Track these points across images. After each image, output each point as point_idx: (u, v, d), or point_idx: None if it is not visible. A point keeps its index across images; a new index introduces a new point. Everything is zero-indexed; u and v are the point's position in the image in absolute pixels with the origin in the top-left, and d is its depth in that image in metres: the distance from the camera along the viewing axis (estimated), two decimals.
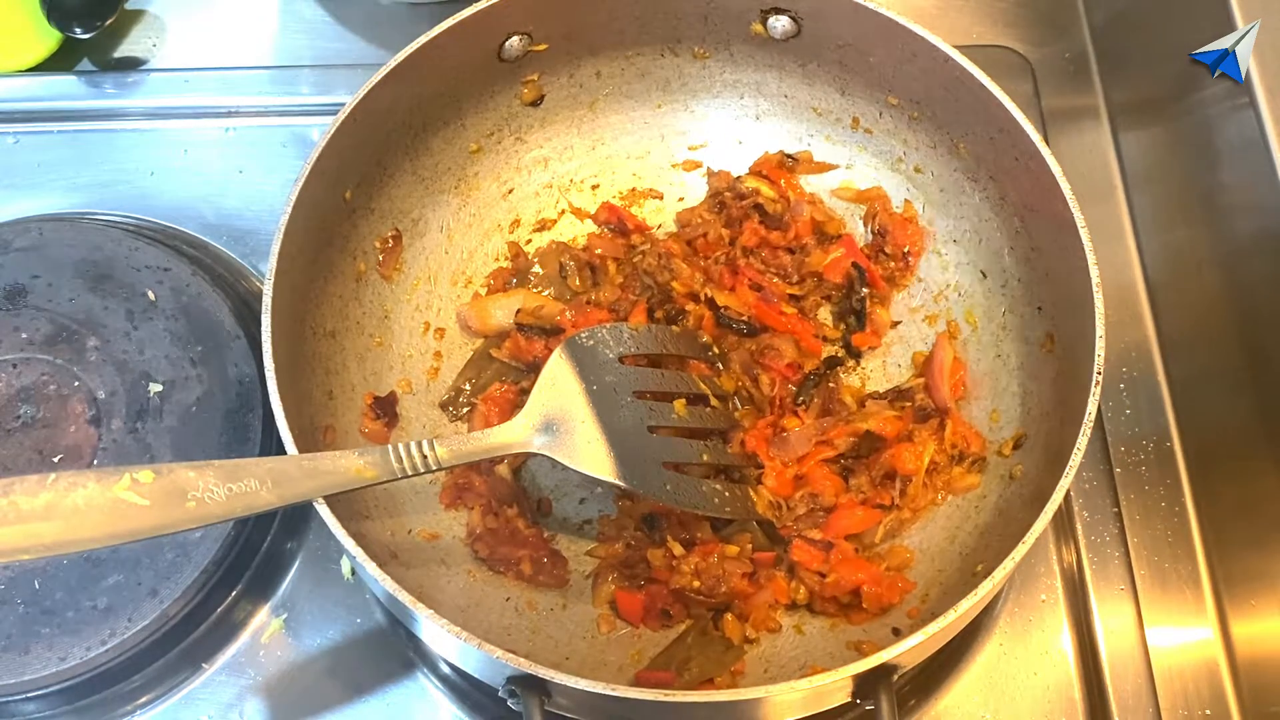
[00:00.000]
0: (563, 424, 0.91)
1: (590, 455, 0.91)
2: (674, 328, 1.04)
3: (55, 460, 1.00)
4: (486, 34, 1.02)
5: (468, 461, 0.90)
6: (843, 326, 1.08)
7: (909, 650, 0.78)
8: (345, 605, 1.01)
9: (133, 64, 1.27)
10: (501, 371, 1.06)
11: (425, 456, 0.85)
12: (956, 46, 0.97)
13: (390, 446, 0.85)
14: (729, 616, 0.95)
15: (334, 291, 1.01)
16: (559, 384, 0.93)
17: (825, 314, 1.09)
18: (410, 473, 0.85)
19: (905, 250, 1.08)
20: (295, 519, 1.04)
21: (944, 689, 0.99)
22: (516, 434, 0.91)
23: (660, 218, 1.14)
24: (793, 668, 0.93)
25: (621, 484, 0.91)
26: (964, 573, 0.93)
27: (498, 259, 1.12)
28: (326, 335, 0.99)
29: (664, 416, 0.96)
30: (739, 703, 0.80)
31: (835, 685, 0.78)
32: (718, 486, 0.96)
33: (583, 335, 0.97)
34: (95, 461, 1.00)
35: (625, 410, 0.94)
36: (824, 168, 1.13)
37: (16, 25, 1.24)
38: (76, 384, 1.03)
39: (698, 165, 1.15)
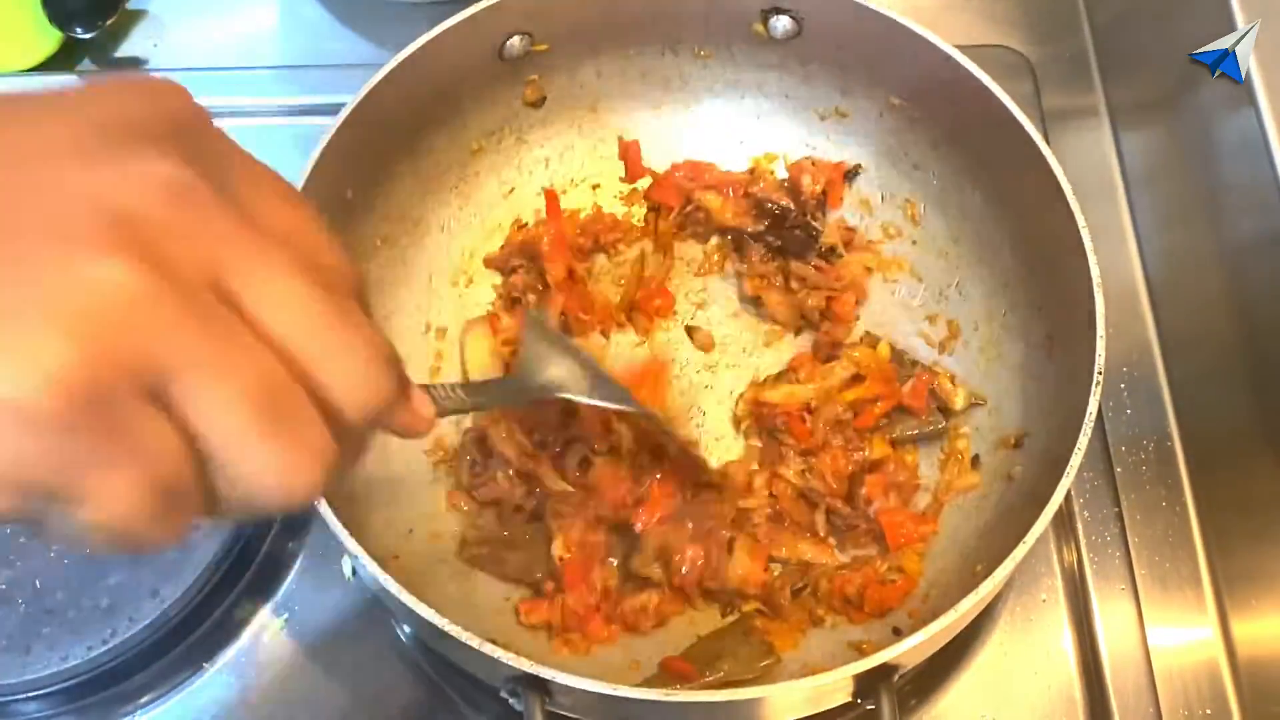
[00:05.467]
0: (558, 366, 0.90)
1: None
2: None
3: None
4: (487, 34, 1.02)
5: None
6: None
7: (909, 650, 0.78)
8: (345, 605, 1.01)
9: (133, 64, 1.27)
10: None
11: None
12: (956, 46, 0.97)
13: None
14: (774, 623, 0.94)
15: None
16: (540, 340, 0.92)
17: None
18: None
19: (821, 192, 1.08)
20: (295, 519, 1.04)
21: (944, 689, 0.98)
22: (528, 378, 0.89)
23: None
24: (793, 667, 0.93)
25: (637, 409, 0.90)
26: (964, 573, 0.93)
27: None
28: None
29: None
30: (739, 702, 0.80)
31: (835, 685, 0.78)
32: None
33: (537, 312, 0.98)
34: None
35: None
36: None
37: (16, 25, 1.23)
38: None
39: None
